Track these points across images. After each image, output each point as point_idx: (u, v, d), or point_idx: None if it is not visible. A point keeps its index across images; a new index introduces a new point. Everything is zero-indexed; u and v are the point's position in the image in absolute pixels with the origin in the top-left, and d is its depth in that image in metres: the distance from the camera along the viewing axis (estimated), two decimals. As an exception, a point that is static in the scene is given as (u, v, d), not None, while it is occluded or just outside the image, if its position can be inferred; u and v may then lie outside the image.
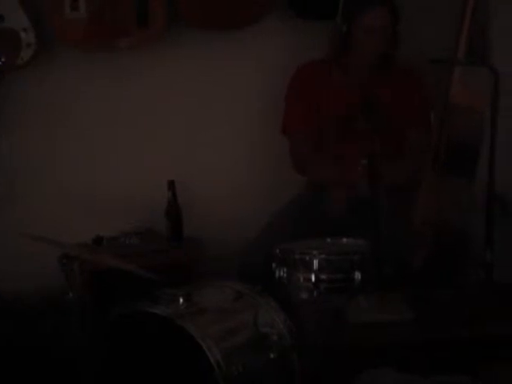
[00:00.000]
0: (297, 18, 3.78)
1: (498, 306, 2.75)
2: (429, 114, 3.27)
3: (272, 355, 2.74)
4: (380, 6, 3.50)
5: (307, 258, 3.10)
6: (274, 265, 3.15)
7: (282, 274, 3.12)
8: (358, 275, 3.06)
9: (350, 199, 3.42)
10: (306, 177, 3.69)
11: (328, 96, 3.59)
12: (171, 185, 3.70)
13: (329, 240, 3.26)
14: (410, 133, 3.55)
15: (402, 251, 3.20)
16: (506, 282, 2.94)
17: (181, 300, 2.77)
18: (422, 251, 3.19)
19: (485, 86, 2.94)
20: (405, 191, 3.37)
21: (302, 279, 3.10)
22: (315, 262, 3.08)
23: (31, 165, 3.80)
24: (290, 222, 3.51)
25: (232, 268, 3.48)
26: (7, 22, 3.55)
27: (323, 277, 3.07)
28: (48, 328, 3.26)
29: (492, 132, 2.88)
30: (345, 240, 3.24)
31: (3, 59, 3.55)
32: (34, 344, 3.21)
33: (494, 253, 2.87)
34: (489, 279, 2.85)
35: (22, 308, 3.47)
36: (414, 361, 2.57)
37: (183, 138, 3.88)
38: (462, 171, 3.16)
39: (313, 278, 3.07)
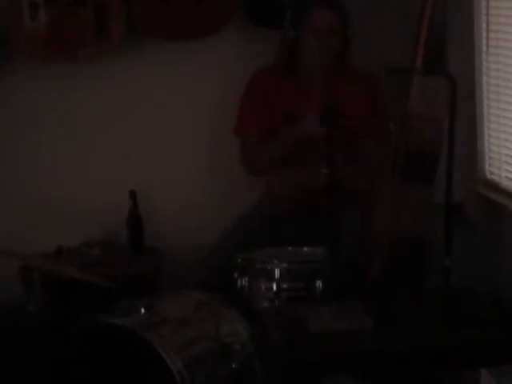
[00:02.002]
0: (255, 27, 3.79)
1: (456, 314, 2.78)
2: (387, 122, 3.28)
3: (234, 364, 2.75)
4: (325, 7, 3.51)
5: (269, 267, 3.10)
6: (235, 274, 3.15)
7: (243, 283, 3.12)
8: (318, 283, 3.07)
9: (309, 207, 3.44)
10: (259, 176, 3.68)
11: (282, 101, 3.59)
12: (132, 194, 3.70)
13: (289, 248, 3.26)
14: (365, 140, 3.57)
15: (359, 260, 3.21)
16: (463, 287, 2.97)
17: (142, 310, 2.77)
18: (379, 260, 3.20)
19: (443, 94, 2.96)
20: (363, 199, 3.39)
21: (263, 288, 3.11)
22: (277, 271, 3.09)
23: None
24: (249, 231, 3.51)
25: (193, 277, 3.48)
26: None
27: (285, 286, 3.08)
28: (7, 341, 3.24)
29: (450, 140, 2.90)
30: (305, 248, 3.25)
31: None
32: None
33: (453, 259, 2.90)
34: (447, 285, 2.88)
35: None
36: (373, 370, 2.59)
37: (144, 147, 3.88)
38: (421, 179, 3.18)
39: (274, 287, 3.08)
